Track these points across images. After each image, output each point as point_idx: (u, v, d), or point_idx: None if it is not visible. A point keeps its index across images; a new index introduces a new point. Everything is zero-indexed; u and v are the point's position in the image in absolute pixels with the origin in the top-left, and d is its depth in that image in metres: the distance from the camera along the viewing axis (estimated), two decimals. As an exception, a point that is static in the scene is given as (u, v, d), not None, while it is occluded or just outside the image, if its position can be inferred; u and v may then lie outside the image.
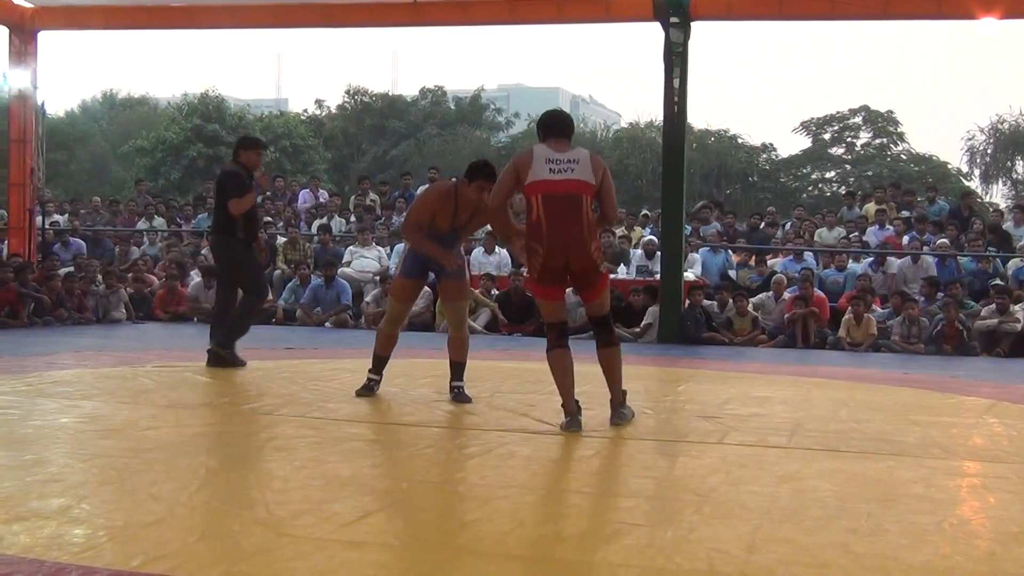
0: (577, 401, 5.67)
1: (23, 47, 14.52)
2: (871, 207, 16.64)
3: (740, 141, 42.21)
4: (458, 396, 6.66)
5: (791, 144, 73.21)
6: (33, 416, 5.66)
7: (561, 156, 5.56)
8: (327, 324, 13.63)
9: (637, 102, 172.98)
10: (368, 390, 6.74)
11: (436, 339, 10.11)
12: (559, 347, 5.74)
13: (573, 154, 5.60)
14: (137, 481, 4.09)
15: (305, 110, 47.56)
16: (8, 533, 3.30)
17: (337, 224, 16.47)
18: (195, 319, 13.74)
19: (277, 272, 14.88)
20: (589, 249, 5.56)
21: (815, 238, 15.51)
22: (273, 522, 3.54)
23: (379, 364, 6.87)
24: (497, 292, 13.63)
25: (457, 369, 6.76)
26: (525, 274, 5.68)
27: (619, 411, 5.82)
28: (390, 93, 47.66)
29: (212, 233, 9.15)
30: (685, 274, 13.21)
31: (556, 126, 5.77)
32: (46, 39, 14.95)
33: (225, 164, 9.45)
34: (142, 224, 17.54)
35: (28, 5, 14.38)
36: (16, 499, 3.74)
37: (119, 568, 2.98)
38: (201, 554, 3.16)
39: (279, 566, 3.07)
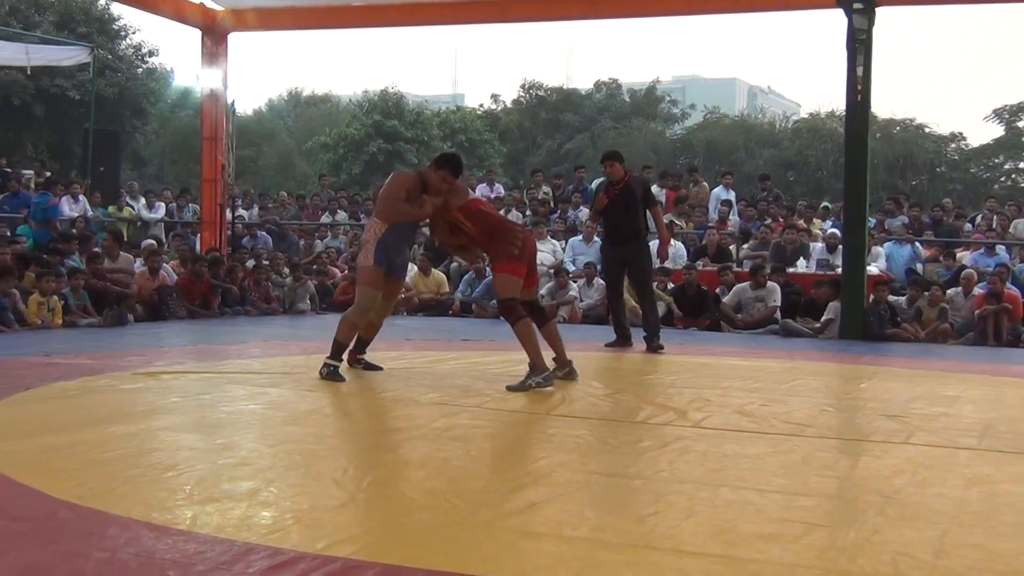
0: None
1: (214, 48, 15.11)
2: (1071, 197, 15.80)
3: (927, 130, 40.66)
4: (367, 366, 7.40)
5: (983, 133, 70.16)
6: (223, 402, 5.91)
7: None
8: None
9: (817, 91, 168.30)
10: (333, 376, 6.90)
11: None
12: (526, 317, 6.74)
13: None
14: (321, 466, 4.22)
15: (481, 105, 48.29)
16: (201, 513, 3.44)
17: (513, 217, 16.60)
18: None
19: (454, 265, 15.15)
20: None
21: (1010, 230, 14.80)
22: (449, 509, 3.60)
23: (339, 350, 7.08)
24: (672, 286, 13.49)
25: (363, 344, 7.47)
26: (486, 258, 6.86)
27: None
28: (565, 87, 47.85)
29: (635, 239, 9.70)
30: (869, 268, 12.80)
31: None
32: (236, 40, 15.54)
33: (635, 176, 10.30)
34: (325, 218, 18.11)
35: (219, 8, 14.96)
36: (209, 481, 3.90)
37: (304, 550, 3.06)
38: (381, 538, 3.24)
39: (455, 552, 3.11)
